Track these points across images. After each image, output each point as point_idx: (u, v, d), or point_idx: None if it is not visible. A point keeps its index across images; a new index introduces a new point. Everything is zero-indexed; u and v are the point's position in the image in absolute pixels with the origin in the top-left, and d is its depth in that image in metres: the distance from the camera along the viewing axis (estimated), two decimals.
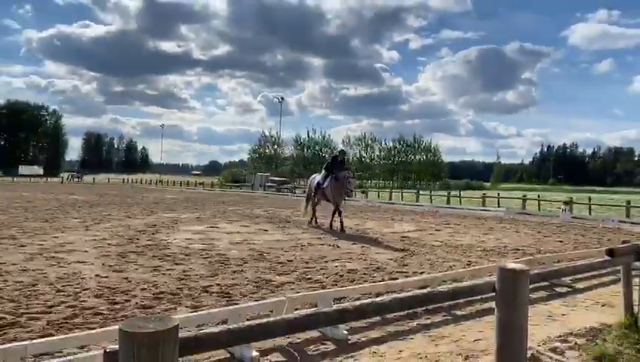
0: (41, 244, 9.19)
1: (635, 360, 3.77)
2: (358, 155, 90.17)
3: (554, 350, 3.99)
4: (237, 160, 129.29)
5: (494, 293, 2.80)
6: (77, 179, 69.73)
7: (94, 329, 4.09)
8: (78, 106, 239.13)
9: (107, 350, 1.60)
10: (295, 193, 42.14)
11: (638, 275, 5.43)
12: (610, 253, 4.24)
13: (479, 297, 4.90)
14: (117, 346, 1.59)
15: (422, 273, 7.26)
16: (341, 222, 12.74)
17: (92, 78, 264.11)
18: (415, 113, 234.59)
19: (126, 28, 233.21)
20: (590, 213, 22.84)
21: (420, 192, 37.61)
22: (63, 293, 5.55)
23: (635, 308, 4.55)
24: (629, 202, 22.54)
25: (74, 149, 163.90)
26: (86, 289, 5.75)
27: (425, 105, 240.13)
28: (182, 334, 1.67)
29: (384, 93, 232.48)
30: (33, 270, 6.80)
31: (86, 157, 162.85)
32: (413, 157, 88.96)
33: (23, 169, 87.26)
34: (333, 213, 13.18)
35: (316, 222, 14.23)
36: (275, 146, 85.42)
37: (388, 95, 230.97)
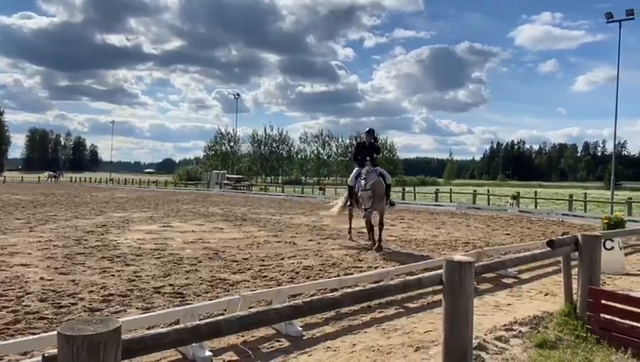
0: None
1: (574, 346, 3.98)
2: (315, 152, 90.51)
3: (499, 338, 4.16)
4: (192, 157, 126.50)
5: (441, 285, 2.89)
6: (54, 179, 67.64)
7: (38, 334, 3.92)
8: (20, 102, 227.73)
9: (45, 355, 1.54)
10: (252, 190, 41.77)
11: (578, 265, 5.74)
12: (551, 244, 4.46)
13: (430, 289, 5.04)
14: (56, 351, 1.53)
15: (376, 267, 7.38)
16: (378, 239, 9.28)
17: (35, 72, 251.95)
18: (370, 110, 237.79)
19: (71, 20, 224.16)
20: (536, 207, 23.93)
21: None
22: (4, 298, 5.28)
23: (575, 296, 4.80)
24: (571, 196, 23.78)
25: (17, 147, 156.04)
26: (29, 293, 5.49)
27: (380, 102, 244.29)
28: (125, 336, 1.63)
29: (340, 90, 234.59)
30: None
31: (30, 156, 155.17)
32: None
33: None
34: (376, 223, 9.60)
35: (350, 233, 10.78)
36: (231, 143, 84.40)
37: (344, 92, 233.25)
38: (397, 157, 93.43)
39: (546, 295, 6.08)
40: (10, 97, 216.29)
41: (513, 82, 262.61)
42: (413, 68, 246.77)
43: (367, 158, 9.39)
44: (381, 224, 9.37)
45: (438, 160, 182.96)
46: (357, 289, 2.67)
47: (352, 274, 6.70)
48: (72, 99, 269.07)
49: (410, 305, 5.35)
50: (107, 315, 4.72)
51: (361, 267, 7.58)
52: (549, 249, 4.50)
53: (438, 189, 34.05)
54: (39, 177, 69.80)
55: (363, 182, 8.77)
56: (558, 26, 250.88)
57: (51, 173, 73.51)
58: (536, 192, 29.52)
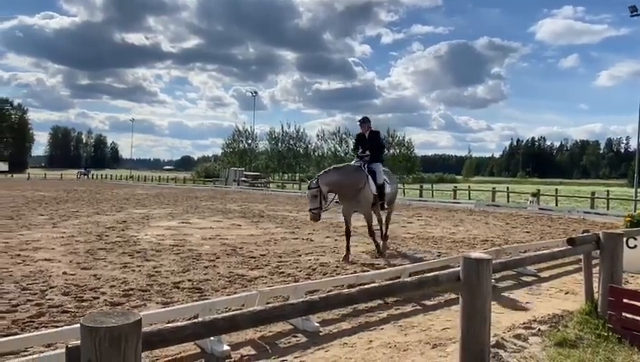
0: (6, 242, 8.92)
1: (595, 345, 3.92)
2: (332, 149, 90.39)
3: (518, 337, 4.12)
4: (210, 155, 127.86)
5: (459, 283, 2.88)
6: (85, 177, 70.40)
7: (61, 327, 4.02)
8: (43, 100, 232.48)
9: (69, 346, 1.59)
10: (269, 188, 41.96)
11: (599, 264, 5.64)
12: (571, 241, 4.39)
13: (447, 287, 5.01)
14: (79, 342, 1.58)
15: (393, 265, 7.36)
16: (377, 244, 8.42)
17: (57, 71, 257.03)
18: (388, 107, 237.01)
19: (91, 19, 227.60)
20: (557, 205, 23.54)
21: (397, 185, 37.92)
22: (28, 291, 5.42)
23: (596, 295, 4.73)
24: (593, 193, 23.32)
25: (40, 145, 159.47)
26: (53, 287, 5.63)
27: (397, 99, 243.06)
28: (145, 328, 1.67)
29: (357, 87, 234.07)
30: None
31: (53, 153, 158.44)
32: (387, 151, 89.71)
33: None
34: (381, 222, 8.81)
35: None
36: (249, 141, 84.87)
37: (361, 89, 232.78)
38: (415, 155, 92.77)
39: (566, 293, 6.00)
40: (33, 96, 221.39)
41: (533, 78, 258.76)
42: (431, 64, 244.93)
43: (367, 153, 8.16)
44: (370, 231, 8.09)
45: (457, 157, 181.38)
46: (373, 285, 2.68)
47: (368, 271, 6.70)
48: (92, 97, 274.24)
49: (428, 303, 5.33)
50: (128, 309, 4.81)
51: (377, 264, 7.57)
52: (569, 247, 4.44)
53: (456, 186, 33.71)
54: (61, 174, 71.36)
55: (314, 181, 7.63)
56: (580, 19, 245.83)
57: (82, 171, 76.09)
58: (557, 190, 29.02)
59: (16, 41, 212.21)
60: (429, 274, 2.93)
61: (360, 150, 8.34)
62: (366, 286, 2.68)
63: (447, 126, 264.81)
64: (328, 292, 4.97)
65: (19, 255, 7.67)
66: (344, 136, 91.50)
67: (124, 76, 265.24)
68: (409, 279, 2.85)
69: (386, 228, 8.91)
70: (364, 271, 6.57)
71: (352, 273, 6.53)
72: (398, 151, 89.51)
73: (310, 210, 7.53)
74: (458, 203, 23.45)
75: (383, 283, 2.65)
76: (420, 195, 29.90)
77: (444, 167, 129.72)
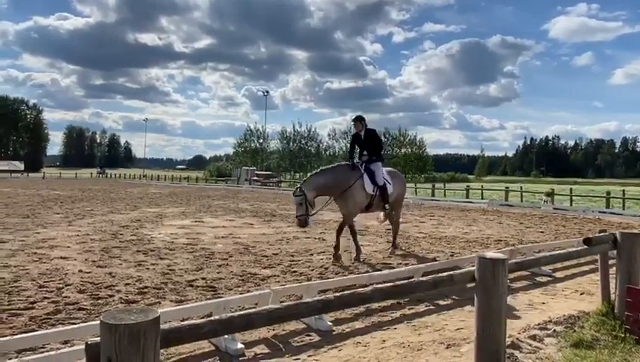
0: (23, 240, 9.07)
1: (612, 346, 3.87)
2: (344, 148, 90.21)
3: (533, 337, 4.08)
4: (222, 154, 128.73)
5: (474, 283, 2.86)
6: (101, 175, 73.35)
7: (77, 324, 4.07)
8: (57, 100, 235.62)
9: (89, 342, 1.61)
10: (281, 187, 42.06)
11: (615, 264, 5.56)
12: (587, 241, 4.34)
13: (461, 286, 4.98)
14: (99, 339, 1.60)
15: (406, 264, 7.34)
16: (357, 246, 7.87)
17: (71, 72, 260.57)
18: (399, 106, 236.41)
19: (105, 20, 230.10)
20: (571, 204, 23.26)
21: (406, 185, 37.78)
22: (45, 289, 5.50)
23: (612, 296, 4.66)
24: (608, 193, 22.99)
25: (55, 144, 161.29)
26: (69, 285, 5.70)
27: (409, 98, 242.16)
28: (163, 326, 1.68)
29: (368, 86, 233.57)
30: (15, 266, 6.71)
31: (68, 153, 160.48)
32: (398, 150, 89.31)
33: (2, 164, 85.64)
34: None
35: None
36: (261, 140, 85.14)
37: (372, 88, 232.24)
38: (426, 154, 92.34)
39: (581, 294, 5.93)
40: (48, 96, 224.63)
41: (547, 76, 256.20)
42: (443, 62, 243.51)
43: (365, 153, 7.92)
44: (339, 229, 7.64)
45: (469, 156, 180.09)
46: (388, 285, 2.67)
47: (381, 270, 6.68)
48: (106, 97, 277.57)
49: (441, 302, 5.30)
50: (143, 306, 4.86)
51: (390, 264, 7.55)
52: (585, 247, 4.38)
53: (468, 186, 33.51)
54: (76, 173, 72.24)
55: (298, 188, 7.41)
56: (594, 17, 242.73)
57: (99, 170, 78.29)
58: (571, 189, 28.69)
59: (32, 42, 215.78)
60: (444, 274, 2.91)
61: (357, 151, 8.07)
62: (381, 285, 2.67)
63: (459, 125, 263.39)
64: (341, 291, 4.97)
65: (35, 253, 7.78)
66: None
67: (138, 76, 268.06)
68: (424, 278, 2.84)
69: (394, 234, 8.70)
70: (377, 271, 6.55)
71: (364, 272, 6.52)
72: (409, 150, 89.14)
73: (297, 216, 7.41)
74: (471, 202, 23.28)
75: (398, 283, 2.65)
76: (432, 195, 29.75)
77: (456, 167, 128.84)
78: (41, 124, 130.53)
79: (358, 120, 8.05)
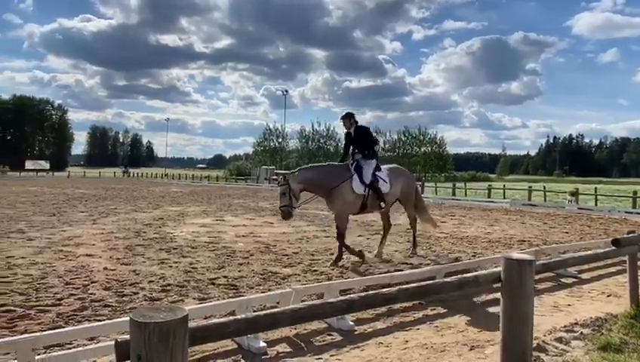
0: (50, 238, 9.28)
1: None
2: None
3: (559, 340, 4.00)
4: (241, 153, 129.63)
5: (500, 284, 2.81)
6: (125, 174, 75.53)
7: (103, 320, 4.14)
8: (81, 101, 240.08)
9: (119, 340, 1.63)
10: None
11: None
12: (616, 242, 4.23)
13: (485, 287, 4.92)
14: (128, 336, 1.62)
15: (427, 265, 7.28)
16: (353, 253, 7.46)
17: (95, 73, 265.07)
18: (419, 105, 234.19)
19: (127, 22, 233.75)
20: (596, 204, 22.74)
21: (426, 184, 37.56)
22: (71, 286, 5.61)
23: None
24: (635, 193, 22.40)
25: (79, 144, 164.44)
26: (94, 282, 5.81)
27: (428, 96, 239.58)
28: (191, 324, 1.70)
29: (387, 84, 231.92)
30: (42, 263, 6.88)
31: (92, 152, 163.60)
32: (418, 149, 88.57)
33: (29, 163, 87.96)
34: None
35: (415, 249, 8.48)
36: (280, 139, 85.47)
37: (391, 87, 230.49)
38: (447, 153, 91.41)
39: (608, 296, 5.79)
40: (72, 97, 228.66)
41: (571, 73, 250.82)
42: (463, 60, 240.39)
43: (356, 150, 7.59)
44: (339, 236, 7.36)
45: (490, 155, 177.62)
46: (413, 285, 2.64)
47: (402, 270, 6.64)
48: (129, 97, 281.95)
49: (464, 303, 5.24)
50: (166, 304, 4.92)
51: (411, 263, 7.50)
52: (613, 248, 4.28)
53: (490, 185, 33.05)
54: (100, 172, 73.72)
55: (282, 178, 7.35)
56: (619, 12, 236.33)
57: (124, 169, 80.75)
58: (596, 188, 28.06)
59: (56, 44, 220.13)
60: (469, 275, 2.88)
61: (351, 150, 7.66)
62: (406, 285, 2.65)
63: (480, 123, 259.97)
64: (362, 290, 4.95)
65: (62, 250, 7.96)
66: (375, 133, 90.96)
67: (159, 77, 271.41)
68: (449, 279, 2.81)
69: (414, 235, 8.49)
70: (398, 271, 6.51)
71: (385, 272, 6.49)
72: (429, 149, 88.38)
73: (280, 207, 7.23)
74: (492, 202, 22.97)
75: (423, 283, 2.62)
76: (453, 194, 29.45)
77: (477, 166, 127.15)
78: (66, 123, 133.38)
79: (346, 117, 7.67)
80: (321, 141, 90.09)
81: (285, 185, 7.11)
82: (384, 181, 7.60)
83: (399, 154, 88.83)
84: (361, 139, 7.65)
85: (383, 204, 7.59)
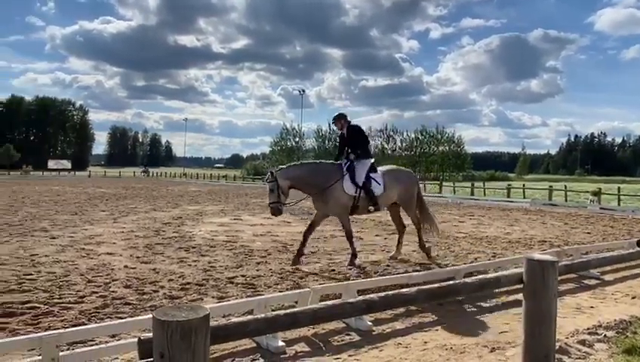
0: (72, 236, 9.46)
1: None
2: (380, 147, 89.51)
3: (582, 342, 3.92)
4: (258, 153, 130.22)
5: (521, 285, 2.77)
6: (145, 174, 76.69)
7: (124, 318, 4.21)
8: (102, 101, 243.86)
9: (141, 338, 1.65)
10: None
11: None
12: None
13: (505, 289, 4.85)
14: (150, 334, 1.63)
15: (446, 265, 7.22)
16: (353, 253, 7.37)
17: (115, 74, 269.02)
18: (436, 103, 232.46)
19: (146, 23, 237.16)
20: (619, 204, 22.25)
21: (444, 184, 37.25)
22: (93, 284, 5.71)
23: None
24: None
25: (100, 144, 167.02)
26: (115, 280, 5.90)
27: (446, 95, 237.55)
28: (212, 323, 1.71)
29: (404, 83, 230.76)
30: (65, 261, 7.01)
31: (112, 152, 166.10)
32: (436, 148, 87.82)
33: (52, 163, 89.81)
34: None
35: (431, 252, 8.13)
36: (296, 139, 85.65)
37: (408, 86, 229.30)
38: (465, 151, 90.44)
39: (633, 298, 5.65)
40: (92, 97, 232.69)
41: (592, 70, 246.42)
42: (481, 58, 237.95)
43: (349, 151, 7.41)
44: (348, 237, 7.33)
45: (509, 154, 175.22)
46: (433, 286, 2.62)
47: (420, 271, 6.60)
48: (148, 98, 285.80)
49: (483, 304, 5.18)
50: (187, 303, 4.97)
51: (429, 264, 7.44)
52: (638, 249, 4.18)
53: (509, 185, 32.59)
54: (120, 172, 74.85)
55: (270, 174, 7.19)
56: None
57: (143, 169, 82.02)
58: (619, 188, 27.43)
59: (77, 46, 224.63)
60: (490, 276, 2.84)
61: (343, 149, 7.50)
62: (425, 286, 2.63)
63: (498, 122, 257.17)
64: (380, 290, 4.93)
65: (83, 248, 8.11)
66: (391, 133, 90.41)
67: (177, 77, 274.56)
68: (469, 280, 2.77)
69: (419, 235, 7.96)
70: (416, 271, 6.47)
71: (403, 272, 6.45)
72: (447, 148, 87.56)
73: (269, 203, 7.11)
74: (512, 201, 22.68)
75: (443, 284, 2.59)
76: (472, 194, 29.14)
77: (496, 165, 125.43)
78: (87, 124, 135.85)
79: (338, 118, 7.57)
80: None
81: (273, 182, 6.97)
82: (377, 183, 7.32)
83: (416, 153, 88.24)
84: (353, 139, 7.47)
85: (372, 208, 7.28)
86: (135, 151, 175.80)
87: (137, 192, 26.85)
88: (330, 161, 7.61)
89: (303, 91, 66.27)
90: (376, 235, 10.54)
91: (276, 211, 7.05)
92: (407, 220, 8.15)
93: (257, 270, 6.72)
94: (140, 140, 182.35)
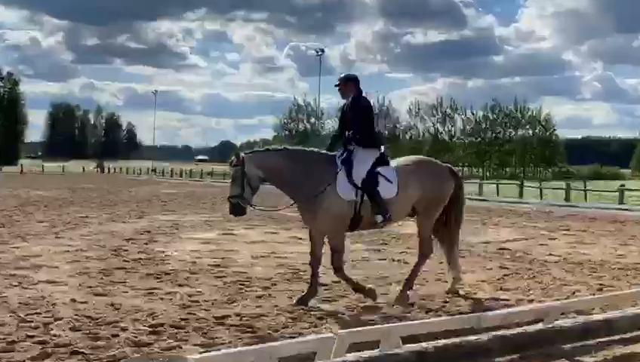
0: None
1: None
2: (432, 130, 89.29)
3: None
4: (258, 139, 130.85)
5: None
6: (98, 170, 79.18)
7: None
8: (38, 67, 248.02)
9: None
10: None
11: None
12: None
13: (618, 337, 4.78)
14: None
15: (531, 301, 7.15)
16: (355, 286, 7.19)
17: (56, 28, 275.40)
18: (514, 68, 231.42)
19: None
20: None
21: (525, 184, 36.94)
22: (28, 324, 5.78)
23: None
24: None
25: (35, 127, 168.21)
26: (59, 319, 5.97)
27: (529, 55, 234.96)
28: None
29: (468, 39, 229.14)
30: None
31: (52, 139, 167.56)
32: (513, 132, 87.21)
33: None
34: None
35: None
36: (312, 119, 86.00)
37: (473, 42, 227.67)
38: (556, 137, 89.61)
39: None
40: (25, 62, 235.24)
41: None
42: (580, 2, 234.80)
43: (350, 132, 7.26)
44: (335, 266, 7.10)
45: (623, 140, 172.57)
46: (513, 331, 2.61)
47: (492, 308, 6.55)
48: (102, 62, 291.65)
49: (587, 360, 5.11)
50: (159, 352, 5.02)
51: (506, 299, 7.38)
52: None
53: (623, 185, 32.17)
54: (63, 167, 76.04)
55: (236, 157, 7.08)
56: None
57: (98, 162, 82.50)
58: None
59: None
60: (596, 317, 2.81)
61: (346, 133, 7.33)
62: (502, 331, 2.62)
63: (606, 94, 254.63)
64: (437, 337, 4.91)
65: (14, 275, 8.25)
66: (449, 110, 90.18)
67: (143, 32, 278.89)
68: (566, 323, 2.75)
69: (413, 271, 7.54)
70: (488, 310, 6.42)
71: (468, 311, 6.42)
72: (530, 132, 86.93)
73: (228, 197, 7.12)
74: (628, 210, 22.41)
75: (528, 329, 2.58)
76: (567, 198, 28.87)
77: (603, 157, 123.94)
78: (17, 99, 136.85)
79: (346, 81, 7.44)
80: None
81: (238, 168, 6.88)
82: (388, 181, 7.00)
83: (485, 139, 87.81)
84: (355, 119, 7.28)
85: (380, 219, 7.00)
86: (85, 137, 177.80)
87: (88, 195, 27.30)
88: (323, 151, 7.46)
89: (322, 51, 66.48)
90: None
91: (236, 210, 7.01)
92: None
93: (258, 306, 6.76)
94: (92, 122, 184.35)
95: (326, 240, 7.19)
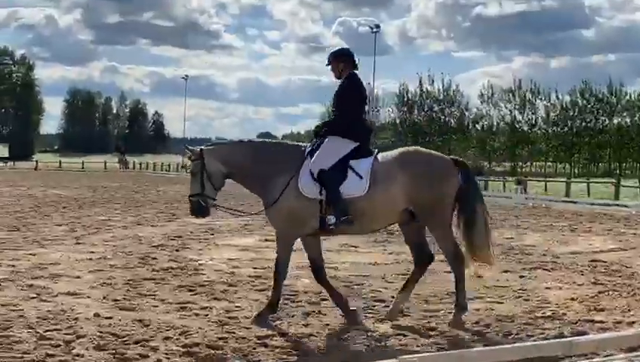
0: (13, 265, 9.90)
1: None
2: (507, 118, 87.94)
3: None
4: (302, 131, 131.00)
5: None
6: (122, 165, 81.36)
7: None
8: (54, 49, 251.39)
9: None
10: None
11: None
12: None
13: None
14: None
15: (631, 323, 6.99)
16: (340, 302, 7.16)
17: (74, 5, 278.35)
18: (607, 44, 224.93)
19: None
20: None
21: (622, 182, 36.06)
22: (48, 342, 5.91)
23: None
24: None
25: (52, 118, 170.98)
26: (81, 337, 6.10)
27: (625, 29, 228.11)
28: None
29: (550, 9, 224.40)
30: (2, 305, 7.30)
31: (70, 130, 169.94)
32: (607, 120, 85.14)
33: None
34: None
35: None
36: (366, 107, 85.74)
37: (557, 13, 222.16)
38: None
39: None
40: (40, 43, 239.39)
41: None
42: None
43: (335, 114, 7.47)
44: (316, 273, 7.25)
45: None
46: (610, 360, 2.55)
47: (586, 333, 6.42)
48: (125, 43, 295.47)
49: None
50: None
51: (602, 322, 7.22)
52: None
53: None
54: (83, 162, 77.56)
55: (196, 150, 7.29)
56: None
57: (120, 156, 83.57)
58: None
59: None
60: None
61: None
62: (594, 361, 2.56)
63: None
64: None
65: (31, 285, 8.46)
66: (529, 95, 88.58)
67: (171, 9, 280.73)
68: None
69: (457, 284, 7.26)
70: (581, 334, 6.30)
71: (556, 336, 6.31)
72: (628, 120, 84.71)
73: (189, 196, 7.29)
74: None
75: (630, 357, 2.52)
76: None
77: None
78: (32, 86, 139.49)
79: (336, 57, 7.47)
80: (435, 108, 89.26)
81: (197, 163, 7.07)
82: (358, 176, 6.85)
83: (572, 129, 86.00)
84: (334, 102, 7.49)
85: (332, 219, 6.78)
86: (106, 128, 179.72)
87: (111, 195, 27.79)
88: (294, 143, 7.69)
89: (377, 27, 65.95)
90: (505, 271, 10.36)
91: (197, 209, 7.21)
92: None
93: (306, 324, 6.79)
94: (115, 111, 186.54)
95: (324, 240, 7.23)
